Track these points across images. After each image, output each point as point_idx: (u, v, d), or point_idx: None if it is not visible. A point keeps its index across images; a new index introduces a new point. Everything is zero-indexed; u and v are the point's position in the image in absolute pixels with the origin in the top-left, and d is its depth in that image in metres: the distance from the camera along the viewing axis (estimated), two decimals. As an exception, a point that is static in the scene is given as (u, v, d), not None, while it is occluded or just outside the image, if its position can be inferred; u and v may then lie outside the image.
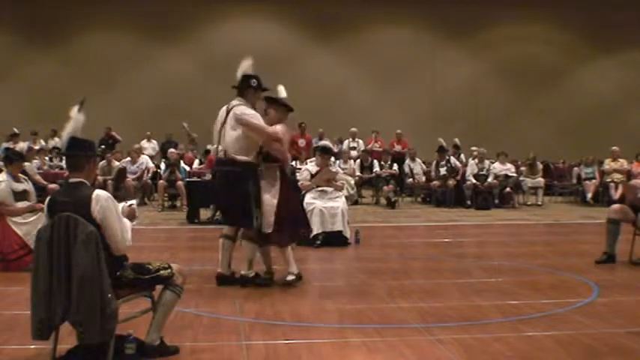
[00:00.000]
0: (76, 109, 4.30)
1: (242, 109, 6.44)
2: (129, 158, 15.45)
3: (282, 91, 6.81)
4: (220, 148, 6.52)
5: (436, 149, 15.70)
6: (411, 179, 16.29)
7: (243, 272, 6.55)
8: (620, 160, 16.39)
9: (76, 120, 4.25)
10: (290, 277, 6.57)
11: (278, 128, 6.48)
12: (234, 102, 6.57)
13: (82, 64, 20.73)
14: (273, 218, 6.37)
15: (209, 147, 16.82)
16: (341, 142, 18.28)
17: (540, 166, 16.97)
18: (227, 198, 6.50)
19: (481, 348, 4.53)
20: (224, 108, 6.65)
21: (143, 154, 16.46)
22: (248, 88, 6.59)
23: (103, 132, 18.45)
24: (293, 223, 6.52)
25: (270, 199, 6.41)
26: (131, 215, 4.33)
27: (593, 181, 16.25)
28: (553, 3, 22.38)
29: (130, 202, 4.48)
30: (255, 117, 6.43)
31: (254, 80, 6.62)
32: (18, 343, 4.56)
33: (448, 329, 4.97)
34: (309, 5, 21.53)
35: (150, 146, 18.67)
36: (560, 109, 22.49)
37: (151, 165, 15.65)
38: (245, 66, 6.71)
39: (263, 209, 6.37)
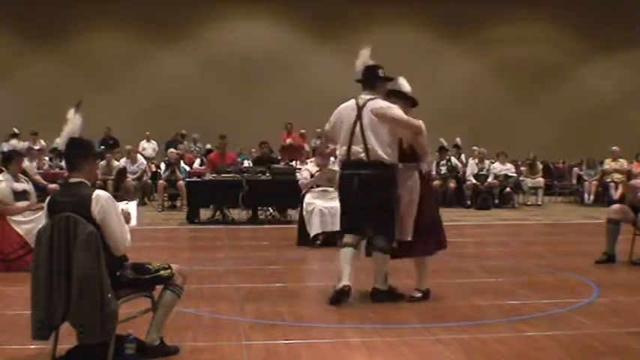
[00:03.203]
0: (72, 110, 4.30)
1: (382, 103, 5.75)
2: (125, 158, 15.46)
3: (405, 84, 6.05)
4: (358, 149, 5.75)
5: (437, 149, 15.70)
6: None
7: (377, 286, 5.87)
8: (620, 160, 16.39)
9: (73, 122, 4.25)
10: (417, 294, 5.92)
11: (415, 121, 5.81)
12: (366, 96, 5.84)
13: (82, 64, 20.73)
14: (413, 225, 5.75)
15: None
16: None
17: (540, 166, 16.99)
18: (364, 204, 5.74)
19: (481, 348, 4.53)
20: (351, 104, 5.90)
21: (140, 153, 16.49)
22: (377, 79, 5.89)
23: (103, 132, 18.42)
24: (434, 229, 5.86)
25: (409, 203, 5.78)
26: (126, 218, 4.31)
27: (593, 182, 16.25)
28: (553, 3, 22.37)
29: (129, 204, 4.48)
30: (398, 109, 5.75)
31: (381, 70, 5.92)
32: (18, 343, 4.56)
33: (448, 329, 4.97)
34: (309, 5, 21.54)
35: (150, 146, 18.67)
36: (561, 109, 22.48)
37: (145, 163, 15.69)
38: (365, 56, 5.99)
39: (401, 215, 5.75)
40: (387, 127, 5.71)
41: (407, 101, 5.96)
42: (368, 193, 5.70)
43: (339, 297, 5.70)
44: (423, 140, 5.81)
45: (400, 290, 5.96)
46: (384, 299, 5.81)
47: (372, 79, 5.89)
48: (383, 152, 5.70)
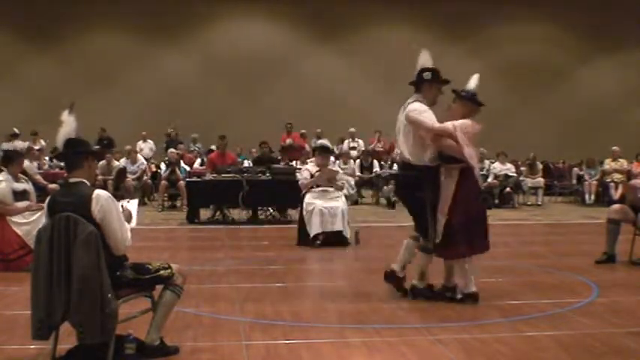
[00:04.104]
0: (66, 112, 4.30)
1: (412, 106, 5.85)
2: (125, 158, 15.47)
3: (472, 82, 6.12)
4: (398, 150, 6.04)
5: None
6: (411, 179, 16.26)
7: (413, 282, 5.97)
8: (620, 160, 16.40)
9: (68, 123, 4.25)
10: (458, 296, 5.81)
11: (449, 124, 5.74)
12: (410, 99, 5.98)
13: (82, 64, 20.73)
14: (443, 227, 5.77)
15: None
16: (342, 142, 18.30)
17: (540, 166, 16.98)
18: (405, 204, 6.14)
19: (481, 348, 4.53)
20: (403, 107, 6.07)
21: (138, 153, 16.50)
22: (422, 82, 5.97)
23: (97, 133, 18.22)
24: (467, 232, 5.70)
25: (441, 205, 5.78)
26: (127, 217, 4.32)
27: (593, 182, 16.25)
28: (553, 3, 22.37)
29: (131, 202, 4.48)
30: (421, 112, 5.81)
31: (427, 73, 5.99)
32: (18, 343, 4.56)
33: (448, 329, 4.97)
34: (309, 5, 21.54)
35: (146, 146, 18.63)
36: (561, 109, 22.47)
37: (145, 163, 15.69)
38: (423, 59, 6.13)
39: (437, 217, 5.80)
40: (413, 130, 5.83)
41: (466, 102, 5.96)
42: (400, 193, 6.23)
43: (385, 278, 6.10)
44: (452, 144, 5.72)
45: (437, 290, 5.96)
46: (418, 296, 5.91)
47: (417, 82, 6.03)
48: (409, 154, 5.86)
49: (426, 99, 5.93)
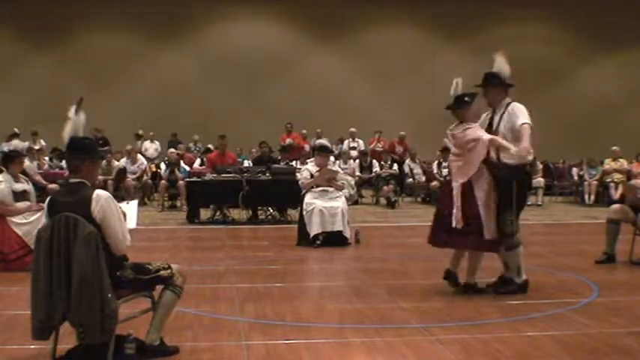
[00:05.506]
0: (73, 109, 4.29)
1: None
2: (125, 158, 15.47)
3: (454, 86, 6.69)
4: None
5: (440, 149, 15.64)
6: (411, 179, 16.29)
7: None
8: (620, 160, 16.39)
9: (74, 121, 4.24)
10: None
11: None
12: None
13: (82, 64, 20.73)
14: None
15: (210, 145, 16.95)
16: (342, 142, 18.30)
17: (540, 166, 16.97)
18: None
19: (481, 348, 4.53)
20: None
21: (141, 154, 16.50)
22: None
23: (90, 133, 18.20)
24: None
25: None
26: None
27: (594, 182, 16.24)
28: (553, 3, 22.36)
29: (130, 203, 4.48)
30: None
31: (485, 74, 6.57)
32: (18, 343, 4.56)
33: (448, 329, 4.97)
34: (309, 5, 21.54)
35: (152, 147, 18.64)
36: (561, 109, 22.45)
37: (145, 163, 15.70)
38: (497, 63, 6.81)
39: None
40: None
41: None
42: None
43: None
44: None
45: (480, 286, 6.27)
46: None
47: None
48: None
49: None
